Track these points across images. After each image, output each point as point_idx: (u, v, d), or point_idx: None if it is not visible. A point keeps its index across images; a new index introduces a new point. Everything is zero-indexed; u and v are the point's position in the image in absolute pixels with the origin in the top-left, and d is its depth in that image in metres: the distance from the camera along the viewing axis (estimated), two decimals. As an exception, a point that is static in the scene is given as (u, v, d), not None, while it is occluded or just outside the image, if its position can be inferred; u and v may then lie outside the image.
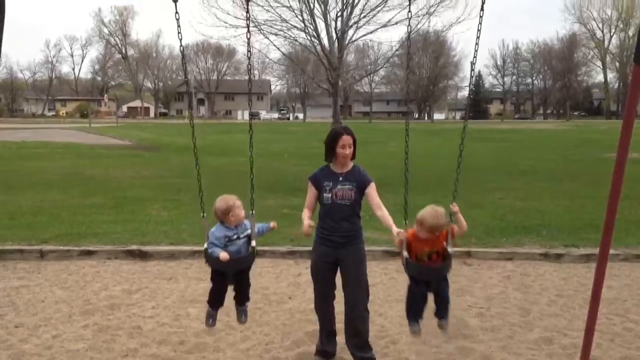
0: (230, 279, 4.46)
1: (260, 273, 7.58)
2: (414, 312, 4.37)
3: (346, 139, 4.71)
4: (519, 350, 5.27)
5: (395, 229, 4.44)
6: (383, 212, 4.69)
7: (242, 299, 4.63)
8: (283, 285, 7.16)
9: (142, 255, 8.40)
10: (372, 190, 4.77)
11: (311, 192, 4.88)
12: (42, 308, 6.31)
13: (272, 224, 4.73)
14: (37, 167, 20.24)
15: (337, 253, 4.79)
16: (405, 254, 4.25)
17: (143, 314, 6.15)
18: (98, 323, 5.86)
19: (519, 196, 14.12)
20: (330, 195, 4.74)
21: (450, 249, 4.22)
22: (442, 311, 4.41)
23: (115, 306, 6.38)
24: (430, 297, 4.40)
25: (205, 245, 4.39)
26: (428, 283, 4.30)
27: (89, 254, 8.41)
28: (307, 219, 4.69)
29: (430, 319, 4.51)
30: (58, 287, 7.09)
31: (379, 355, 5.14)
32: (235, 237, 4.42)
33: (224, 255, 4.27)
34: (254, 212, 4.51)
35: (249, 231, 4.48)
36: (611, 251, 4.88)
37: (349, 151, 4.72)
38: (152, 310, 6.29)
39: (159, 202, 12.80)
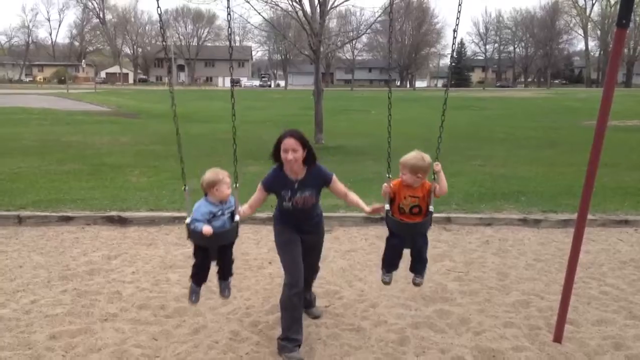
0: (213, 254, 4.37)
1: (241, 239, 7.55)
2: (388, 263, 4.51)
3: (288, 143, 4.35)
4: (496, 313, 5.33)
5: (365, 206, 4.58)
6: (351, 196, 4.72)
7: (225, 274, 4.54)
8: (263, 250, 7.17)
9: (122, 222, 8.34)
10: (335, 184, 4.65)
11: (260, 195, 4.64)
12: (20, 273, 6.26)
13: (242, 209, 4.50)
14: (14, 133, 19.95)
15: (301, 236, 4.74)
16: (387, 206, 4.34)
17: (123, 279, 6.12)
18: (77, 288, 5.83)
19: (498, 163, 14.19)
20: (290, 203, 4.55)
21: (431, 207, 4.31)
22: (417, 267, 4.48)
23: (95, 271, 6.35)
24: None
25: (188, 220, 4.25)
26: (405, 238, 4.40)
27: (67, 220, 8.34)
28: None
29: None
30: (36, 252, 7.03)
31: (359, 319, 5.19)
32: (220, 213, 4.29)
33: (207, 229, 4.11)
34: (238, 185, 4.36)
35: (232, 207, 4.35)
36: (589, 216, 4.93)
37: (291, 156, 4.34)
38: (132, 275, 6.27)
39: (138, 168, 12.70)
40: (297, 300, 4.55)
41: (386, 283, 4.58)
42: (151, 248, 7.27)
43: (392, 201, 4.37)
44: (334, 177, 4.67)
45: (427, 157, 4.27)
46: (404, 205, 4.32)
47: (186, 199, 4.42)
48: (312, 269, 5.07)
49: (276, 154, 4.47)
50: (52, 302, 5.46)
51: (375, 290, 5.87)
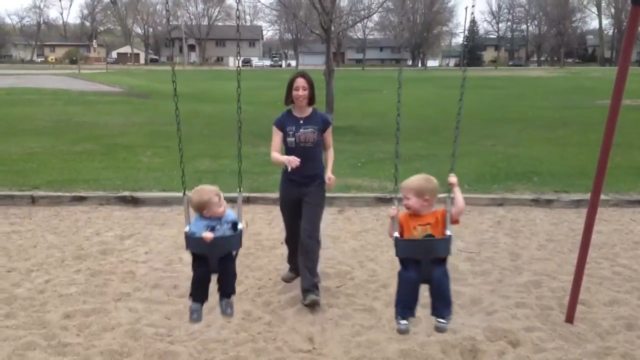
0: (214, 265, 3.93)
1: (253, 219, 7.61)
2: (402, 305, 3.70)
3: (299, 82, 5.10)
4: (508, 294, 5.33)
5: (329, 171, 5.11)
6: (331, 153, 5.30)
7: (226, 289, 4.07)
8: (275, 230, 7.18)
9: (134, 202, 8.39)
10: (329, 132, 5.28)
11: (277, 135, 5.17)
12: (34, 253, 6.32)
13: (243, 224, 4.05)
14: (27, 114, 20.04)
15: (300, 192, 5.16)
16: (396, 234, 3.68)
17: (136, 259, 6.17)
18: (91, 268, 5.88)
19: (510, 143, 14.13)
20: (293, 139, 5.10)
21: (448, 232, 3.64)
22: (439, 308, 3.64)
23: (108, 251, 6.40)
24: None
25: (187, 229, 3.92)
26: (419, 268, 3.61)
27: (80, 200, 8.40)
28: (282, 156, 5.09)
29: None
30: (50, 232, 7.09)
31: (370, 299, 5.21)
32: (218, 226, 3.94)
33: (207, 234, 3.80)
34: (241, 190, 4.09)
35: (234, 219, 3.99)
36: (602, 196, 4.90)
37: (302, 93, 5.07)
38: (145, 255, 6.31)
39: (150, 148, 12.74)
40: (293, 247, 5.39)
41: (403, 332, 3.69)
42: (164, 228, 7.31)
43: (400, 234, 3.68)
44: (331, 126, 5.33)
45: (434, 179, 3.74)
46: (414, 237, 3.67)
47: (185, 207, 4.03)
48: (309, 224, 5.13)
49: (288, 94, 5.16)
50: (66, 281, 5.52)
51: (386, 271, 5.88)
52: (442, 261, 3.67)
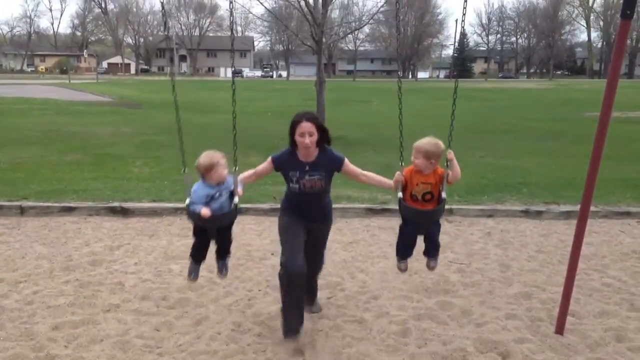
0: (212, 234, 4.45)
1: (243, 230, 7.58)
2: (402, 251, 4.52)
3: (305, 127, 4.30)
4: (498, 305, 5.33)
5: (387, 181, 4.46)
6: (368, 175, 4.60)
7: (223, 253, 4.63)
8: (266, 242, 7.16)
9: (124, 212, 8.35)
10: (347, 167, 4.54)
11: (267, 167, 4.56)
12: (22, 264, 6.26)
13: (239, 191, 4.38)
14: (16, 123, 19.94)
15: (307, 224, 4.62)
16: (400, 194, 4.32)
17: (125, 270, 6.13)
18: (79, 279, 5.83)
19: (500, 155, 14.19)
20: (298, 185, 4.47)
21: (444, 194, 4.29)
22: (431, 252, 4.53)
23: (97, 262, 6.35)
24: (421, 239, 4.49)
25: (187, 201, 4.33)
26: (418, 225, 4.38)
27: (69, 210, 8.34)
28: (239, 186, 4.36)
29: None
30: (38, 243, 7.03)
31: (361, 310, 5.20)
32: (217, 194, 4.32)
33: (205, 211, 4.20)
34: (237, 168, 4.40)
35: (231, 187, 4.35)
36: (591, 208, 4.92)
37: (308, 140, 4.30)
38: (134, 266, 6.27)
39: (140, 159, 12.70)
40: (298, 283, 4.48)
41: (402, 270, 4.63)
42: (153, 239, 7.28)
43: (404, 189, 4.33)
44: (346, 160, 4.53)
45: (441, 144, 4.27)
46: (417, 193, 4.29)
47: (185, 181, 4.44)
48: (315, 258, 4.84)
49: (291, 138, 4.40)
50: (55, 292, 5.47)
51: (377, 282, 5.88)
52: (436, 221, 4.46)
